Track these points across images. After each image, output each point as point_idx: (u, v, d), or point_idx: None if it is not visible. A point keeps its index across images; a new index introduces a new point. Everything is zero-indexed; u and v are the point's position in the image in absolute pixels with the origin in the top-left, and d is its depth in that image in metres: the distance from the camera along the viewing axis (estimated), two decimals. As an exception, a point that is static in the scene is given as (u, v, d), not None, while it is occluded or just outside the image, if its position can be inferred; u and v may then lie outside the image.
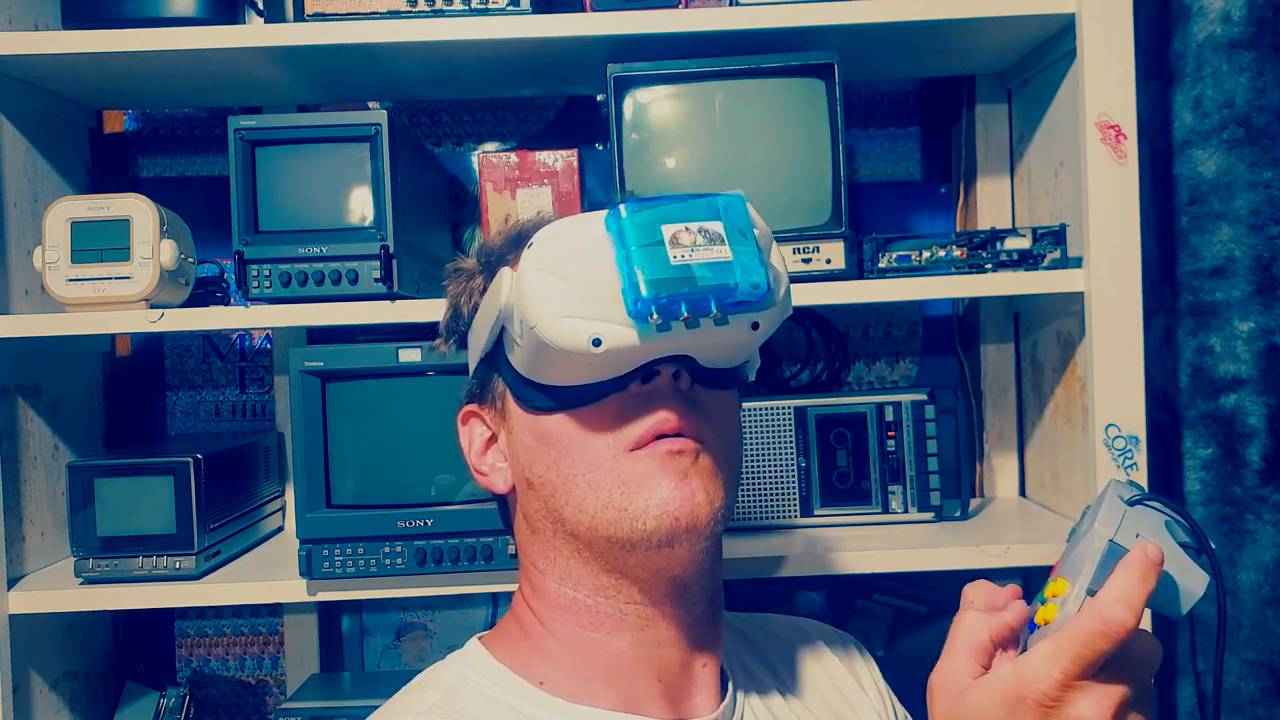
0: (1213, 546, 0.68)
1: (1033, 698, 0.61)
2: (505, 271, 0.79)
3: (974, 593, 0.71)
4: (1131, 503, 0.67)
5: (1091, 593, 0.62)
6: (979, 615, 0.69)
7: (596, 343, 0.72)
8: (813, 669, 0.96)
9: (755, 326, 0.74)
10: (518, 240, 0.82)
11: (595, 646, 0.81)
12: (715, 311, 0.72)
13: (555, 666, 0.82)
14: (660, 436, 0.76)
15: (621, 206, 0.74)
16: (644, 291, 0.70)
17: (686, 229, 0.73)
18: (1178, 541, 0.67)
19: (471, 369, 0.88)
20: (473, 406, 0.88)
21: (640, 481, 0.76)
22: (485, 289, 0.84)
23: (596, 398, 0.77)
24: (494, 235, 0.88)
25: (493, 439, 0.86)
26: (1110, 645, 0.60)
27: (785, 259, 1.22)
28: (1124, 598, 0.60)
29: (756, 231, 0.75)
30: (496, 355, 0.83)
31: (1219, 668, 0.74)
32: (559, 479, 0.78)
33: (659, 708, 0.81)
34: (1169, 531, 0.67)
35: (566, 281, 0.73)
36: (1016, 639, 0.69)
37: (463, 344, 0.90)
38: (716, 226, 0.73)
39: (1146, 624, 1.14)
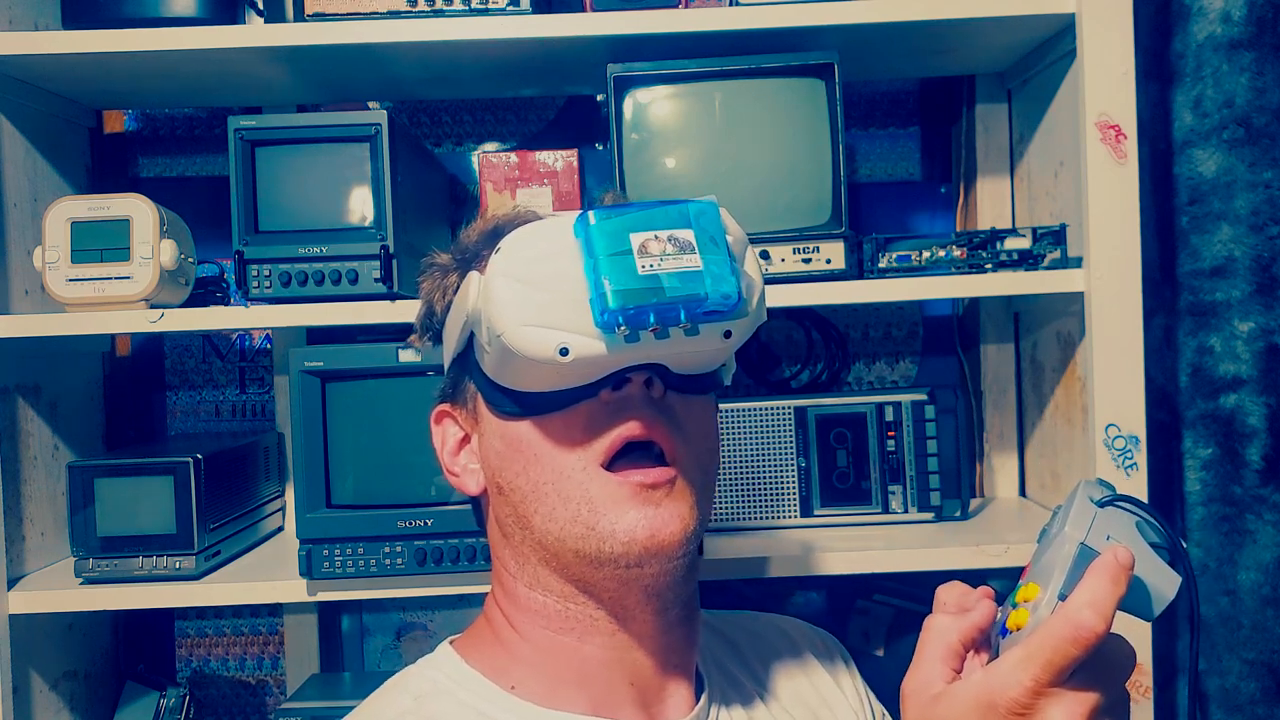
0: (1184, 547, 0.67)
1: (1004, 705, 0.61)
2: (474, 275, 0.78)
3: (947, 594, 0.70)
4: (1102, 504, 0.66)
5: (1063, 597, 0.62)
6: (948, 618, 0.68)
7: (564, 352, 0.71)
8: (791, 670, 0.95)
9: (727, 335, 0.73)
10: (493, 236, 0.80)
11: (566, 650, 0.80)
12: (685, 322, 0.71)
13: (527, 670, 0.81)
14: (630, 444, 0.75)
15: (590, 214, 0.73)
16: (611, 302, 0.70)
17: (656, 237, 0.72)
18: (1149, 542, 0.66)
19: (445, 367, 0.87)
20: (446, 406, 0.86)
21: (608, 505, 0.75)
22: (458, 288, 0.82)
23: (567, 404, 0.76)
24: (470, 231, 0.87)
25: (465, 439, 0.85)
26: (1081, 651, 0.59)
27: (785, 259, 1.24)
28: (1094, 603, 0.60)
29: (730, 238, 0.74)
30: (467, 358, 0.82)
31: (1194, 667, 0.73)
32: (529, 486, 0.77)
33: (631, 712, 0.80)
34: (1140, 533, 0.66)
35: (534, 288, 0.72)
36: (988, 640, 0.68)
37: (439, 340, 0.88)
38: (687, 235, 0.72)
39: (1149, 629, 1.14)
